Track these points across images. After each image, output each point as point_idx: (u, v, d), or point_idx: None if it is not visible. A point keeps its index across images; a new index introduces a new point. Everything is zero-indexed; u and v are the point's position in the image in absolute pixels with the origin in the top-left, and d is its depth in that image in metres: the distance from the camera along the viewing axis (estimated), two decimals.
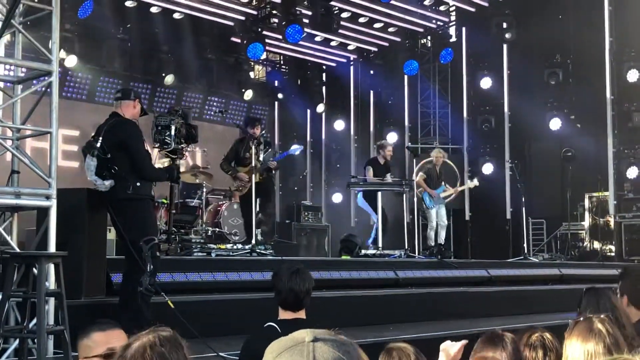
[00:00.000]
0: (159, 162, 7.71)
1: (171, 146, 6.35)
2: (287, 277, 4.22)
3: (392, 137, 17.12)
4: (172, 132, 6.33)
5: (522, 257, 12.59)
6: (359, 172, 16.13)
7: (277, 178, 18.05)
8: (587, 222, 15.29)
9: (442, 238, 12.91)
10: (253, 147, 9.54)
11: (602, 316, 3.26)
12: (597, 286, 4.51)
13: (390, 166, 12.34)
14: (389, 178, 11.94)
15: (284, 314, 4.26)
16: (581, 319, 3.20)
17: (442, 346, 3.35)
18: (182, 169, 9.26)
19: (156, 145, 6.46)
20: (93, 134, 6.26)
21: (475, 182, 13.28)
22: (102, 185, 5.95)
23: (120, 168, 5.99)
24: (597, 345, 3.00)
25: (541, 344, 3.34)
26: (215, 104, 16.82)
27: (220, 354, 5.27)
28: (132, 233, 5.89)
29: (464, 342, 3.38)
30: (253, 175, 9.67)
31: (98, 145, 5.94)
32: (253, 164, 9.67)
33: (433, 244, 12.83)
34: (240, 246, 9.62)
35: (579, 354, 3.01)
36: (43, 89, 5.73)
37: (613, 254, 14.44)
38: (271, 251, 9.63)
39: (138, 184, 6.02)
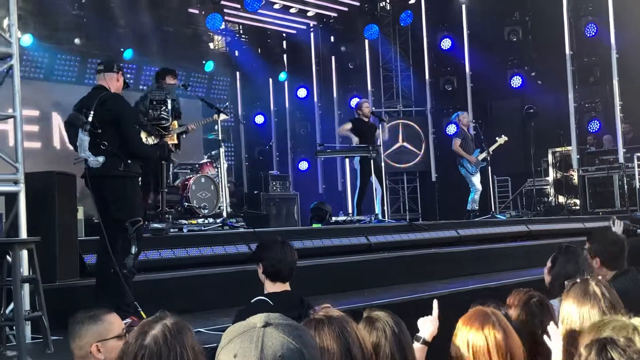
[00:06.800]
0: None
1: (169, 121, 6.11)
2: (279, 248, 4.19)
3: (355, 103, 17.09)
4: (169, 107, 6.09)
5: (489, 216, 12.73)
6: (325, 139, 16.12)
7: (242, 149, 18.02)
8: (551, 178, 15.51)
9: (477, 203, 12.95)
10: None
11: (598, 278, 3.29)
12: (571, 246, 4.59)
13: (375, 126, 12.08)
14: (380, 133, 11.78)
15: (272, 287, 4.19)
16: (577, 280, 3.23)
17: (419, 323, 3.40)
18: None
19: (151, 122, 6.18)
20: (77, 106, 5.93)
21: (504, 137, 13.10)
22: (94, 161, 5.65)
23: (109, 144, 5.71)
24: (593, 309, 3.03)
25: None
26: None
27: (201, 329, 5.27)
28: (120, 212, 5.68)
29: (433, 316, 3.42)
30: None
31: (90, 119, 5.66)
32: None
33: (477, 207, 12.86)
34: (211, 220, 9.58)
35: (575, 316, 3.05)
36: (5, 71, 5.59)
37: (578, 207, 14.68)
38: (242, 223, 9.61)
39: (129, 161, 5.79)
